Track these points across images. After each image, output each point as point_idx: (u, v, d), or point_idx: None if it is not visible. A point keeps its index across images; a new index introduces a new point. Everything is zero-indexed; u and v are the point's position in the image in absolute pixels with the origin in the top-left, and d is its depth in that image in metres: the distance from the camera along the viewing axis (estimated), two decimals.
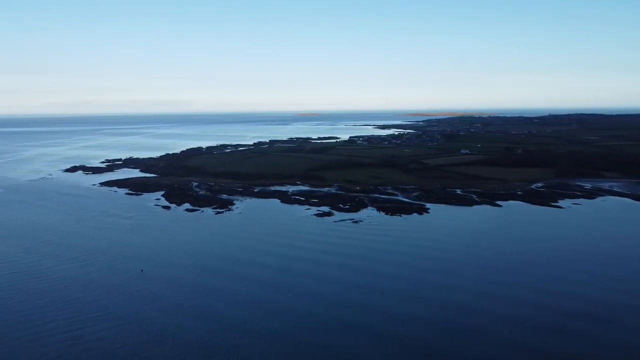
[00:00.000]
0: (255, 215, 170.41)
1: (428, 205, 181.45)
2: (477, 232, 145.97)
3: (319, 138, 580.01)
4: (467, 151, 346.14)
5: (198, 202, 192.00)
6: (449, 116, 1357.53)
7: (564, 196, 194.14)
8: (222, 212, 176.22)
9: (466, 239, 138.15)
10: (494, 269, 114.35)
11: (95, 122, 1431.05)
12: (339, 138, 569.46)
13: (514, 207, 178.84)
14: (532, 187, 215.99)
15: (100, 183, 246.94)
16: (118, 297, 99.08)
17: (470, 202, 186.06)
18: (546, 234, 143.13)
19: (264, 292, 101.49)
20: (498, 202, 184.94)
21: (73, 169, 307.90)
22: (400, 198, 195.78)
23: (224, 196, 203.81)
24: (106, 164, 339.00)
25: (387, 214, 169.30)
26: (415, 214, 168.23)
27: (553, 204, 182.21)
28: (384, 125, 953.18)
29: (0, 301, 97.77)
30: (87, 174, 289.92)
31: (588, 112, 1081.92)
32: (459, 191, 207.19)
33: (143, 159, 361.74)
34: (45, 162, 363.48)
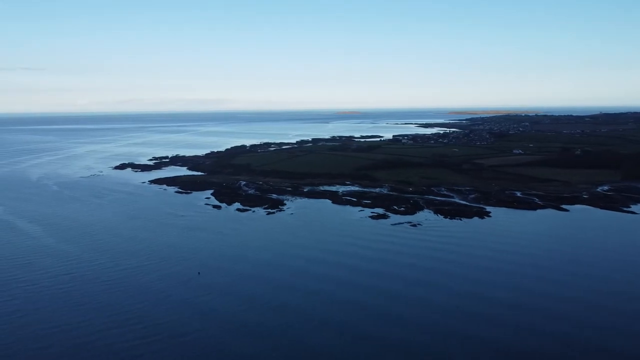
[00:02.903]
0: (309, 217, 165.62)
1: (488, 208, 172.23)
2: (554, 238, 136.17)
3: (362, 137, 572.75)
4: (521, 151, 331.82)
5: (248, 201, 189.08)
6: (494, 114, 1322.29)
7: (637, 200, 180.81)
8: (274, 212, 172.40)
9: (545, 246, 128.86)
10: (596, 277, 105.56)
11: (140, 120, 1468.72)
12: (382, 137, 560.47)
13: (583, 212, 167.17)
14: (599, 190, 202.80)
15: (149, 181, 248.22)
16: (186, 298, 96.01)
17: (533, 206, 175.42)
18: (633, 245, 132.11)
19: (352, 294, 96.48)
20: (564, 206, 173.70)
21: (122, 166, 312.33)
22: (457, 200, 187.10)
23: (274, 196, 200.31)
24: (154, 161, 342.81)
25: (445, 217, 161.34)
26: (475, 218, 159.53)
27: (625, 209, 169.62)
28: (426, 123, 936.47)
29: (57, 304, 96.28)
30: (136, 171, 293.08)
31: None
32: (519, 194, 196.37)
33: (190, 156, 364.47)
34: (95, 159, 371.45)
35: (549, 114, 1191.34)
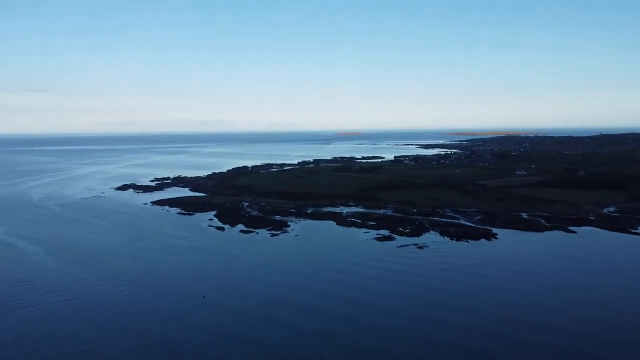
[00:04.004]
0: (313, 238, 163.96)
1: (494, 230, 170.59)
2: (565, 260, 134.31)
3: (363, 157, 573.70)
4: (523, 172, 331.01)
5: (252, 223, 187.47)
6: (494, 135, 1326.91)
7: None
8: (278, 234, 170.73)
9: (557, 266, 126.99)
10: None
11: (141, 141, 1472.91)
12: (383, 157, 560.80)
13: (591, 234, 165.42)
14: (604, 211, 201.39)
15: (151, 202, 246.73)
16: (185, 326, 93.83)
17: (540, 228, 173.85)
18: None
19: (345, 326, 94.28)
20: (571, 228, 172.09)
21: (124, 187, 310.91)
22: (462, 222, 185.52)
23: (277, 217, 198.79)
24: (156, 182, 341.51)
25: (452, 239, 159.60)
26: (482, 240, 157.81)
27: (633, 231, 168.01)
28: (427, 144, 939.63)
29: (64, 328, 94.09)
30: (138, 192, 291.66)
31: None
32: (524, 215, 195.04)
33: (191, 177, 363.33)
34: (97, 180, 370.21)
35: (548, 134, 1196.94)
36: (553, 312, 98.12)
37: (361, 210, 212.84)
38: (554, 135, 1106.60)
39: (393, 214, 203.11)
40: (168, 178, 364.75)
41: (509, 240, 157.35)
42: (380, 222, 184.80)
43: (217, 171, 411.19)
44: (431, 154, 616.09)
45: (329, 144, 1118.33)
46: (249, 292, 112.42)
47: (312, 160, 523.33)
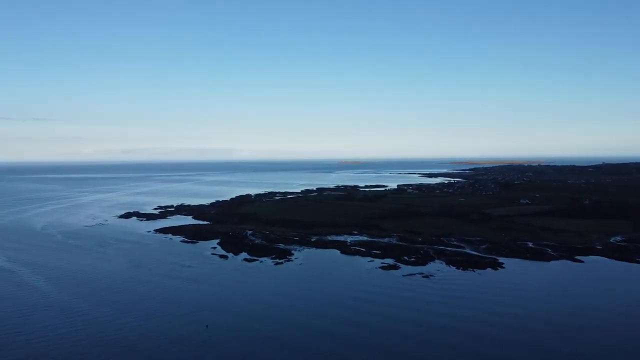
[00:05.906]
0: (318, 267, 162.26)
1: (500, 259, 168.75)
2: (575, 289, 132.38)
3: (367, 186, 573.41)
4: (528, 201, 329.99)
5: (255, 251, 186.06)
6: (496, 164, 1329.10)
7: None
8: (282, 262, 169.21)
9: (571, 295, 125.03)
10: None
11: (145, 169, 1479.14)
12: (387, 186, 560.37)
13: (599, 264, 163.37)
14: (611, 240, 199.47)
15: (155, 230, 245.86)
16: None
17: (546, 257, 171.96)
18: None
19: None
20: (578, 258, 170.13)
21: (127, 215, 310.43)
22: (468, 251, 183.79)
23: (281, 245, 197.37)
24: (159, 210, 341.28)
25: (458, 268, 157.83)
26: (489, 269, 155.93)
27: None
28: (430, 173, 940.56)
29: (67, 354, 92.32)
30: (142, 220, 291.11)
31: None
32: (530, 244, 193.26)
33: (195, 205, 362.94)
34: (100, 207, 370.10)
35: (551, 164, 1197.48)
36: (569, 341, 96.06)
37: (365, 238, 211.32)
38: (556, 164, 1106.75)
39: (398, 242, 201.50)
40: (171, 206, 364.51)
41: (515, 270, 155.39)
42: (384, 251, 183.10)
43: (221, 199, 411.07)
44: (434, 182, 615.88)
45: (332, 172, 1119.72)
46: (254, 319, 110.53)
47: (315, 189, 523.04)
